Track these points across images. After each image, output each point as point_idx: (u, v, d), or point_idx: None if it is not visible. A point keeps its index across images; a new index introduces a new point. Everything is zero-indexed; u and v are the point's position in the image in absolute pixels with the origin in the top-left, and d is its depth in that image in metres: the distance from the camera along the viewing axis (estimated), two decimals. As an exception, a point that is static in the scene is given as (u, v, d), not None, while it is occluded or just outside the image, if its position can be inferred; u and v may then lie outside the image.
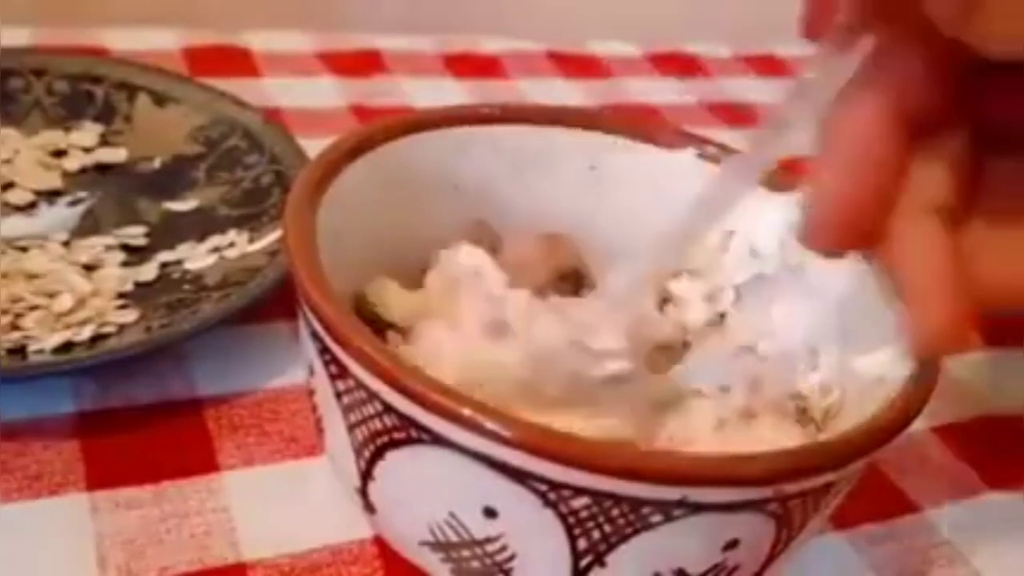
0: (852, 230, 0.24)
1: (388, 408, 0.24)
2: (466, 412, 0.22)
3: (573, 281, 0.33)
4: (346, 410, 0.25)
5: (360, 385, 0.24)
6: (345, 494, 0.28)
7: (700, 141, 0.34)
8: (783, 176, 0.33)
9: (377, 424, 0.24)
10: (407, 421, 0.23)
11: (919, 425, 0.28)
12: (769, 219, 0.32)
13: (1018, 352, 0.45)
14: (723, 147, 0.34)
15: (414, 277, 0.33)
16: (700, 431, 0.28)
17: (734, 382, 0.30)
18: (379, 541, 0.30)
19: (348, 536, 0.30)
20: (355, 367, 0.24)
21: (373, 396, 0.24)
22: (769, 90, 0.66)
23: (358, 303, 0.31)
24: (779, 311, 0.32)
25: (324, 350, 0.25)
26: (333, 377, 0.25)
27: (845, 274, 0.31)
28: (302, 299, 0.26)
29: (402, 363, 0.23)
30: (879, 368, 0.28)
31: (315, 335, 0.25)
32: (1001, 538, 0.35)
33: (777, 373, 0.31)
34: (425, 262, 0.33)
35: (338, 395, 0.25)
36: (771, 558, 0.25)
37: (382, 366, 0.23)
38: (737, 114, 0.62)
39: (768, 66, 0.69)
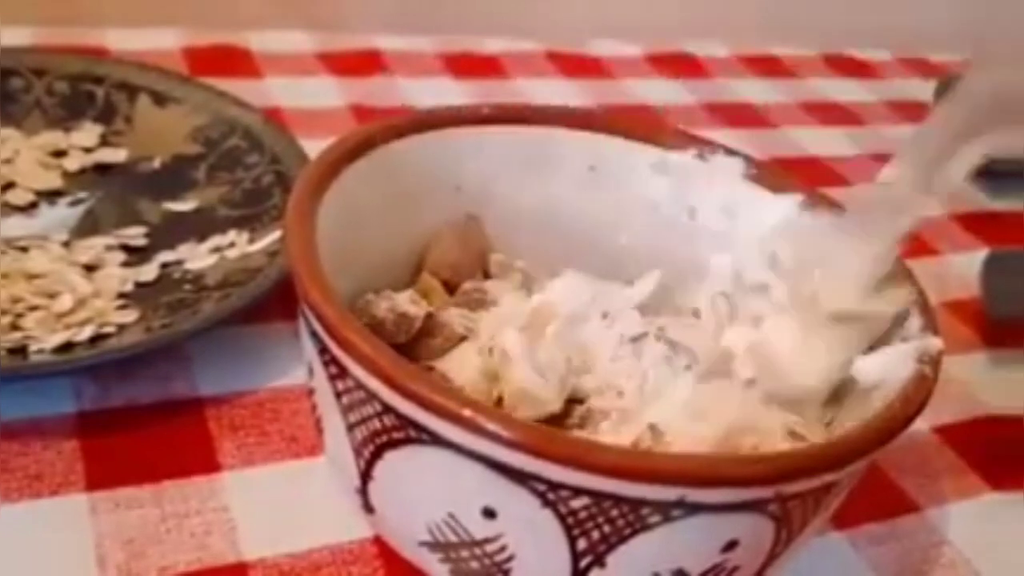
0: None
1: (387, 408, 0.24)
2: (466, 413, 0.22)
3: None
4: (345, 410, 0.25)
5: (359, 385, 0.24)
6: (345, 494, 0.28)
7: (700, 141, 0.34)
8: (781, 176, 0.34)
9: (376, 424, 0.24)
10: (406, 421, 0.23)
11: (919, 425, 0.28)
12: (769, 221, 0.32)
13: (1018, 352, 0.45)
14: (722, 148, 0.34)
15: (412, 277, 0.33)
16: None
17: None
18: (379, 541, 0.30)
19: (348, 536, 0.30)
20: (354, 367, 0.24)
21: (372, 396, 0.24)
22: (769, 90, 0.66)
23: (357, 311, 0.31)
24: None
25: (323, 350, 0.25)
26: (332, 377, 0.25)
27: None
28: (302, 299, 0.26)
29: (401, 363, 0.23)
30: (879, 370, 0.28)
31: (314, 335, 0.25)
32: (1001, 538, 0.35)
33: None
34: (422, 262, 0.33)
35: (337, 395, 0.25)
36: (771, 559, 0.25)
37: (381, 366, 0.23)
38: (737, 114, 0.62)
39: (768, 66, 0.69)
